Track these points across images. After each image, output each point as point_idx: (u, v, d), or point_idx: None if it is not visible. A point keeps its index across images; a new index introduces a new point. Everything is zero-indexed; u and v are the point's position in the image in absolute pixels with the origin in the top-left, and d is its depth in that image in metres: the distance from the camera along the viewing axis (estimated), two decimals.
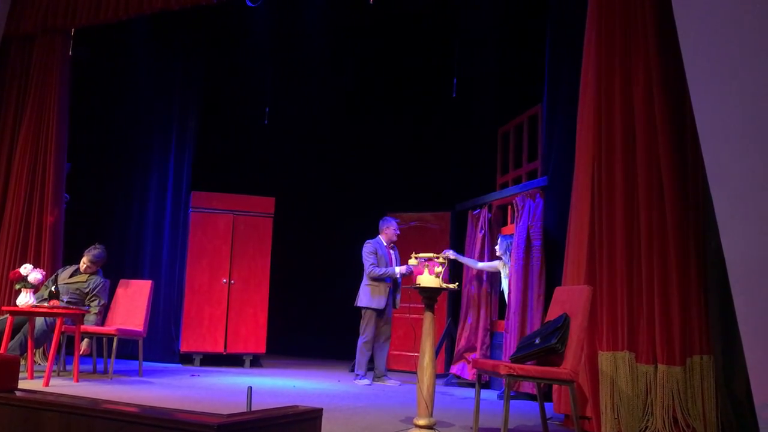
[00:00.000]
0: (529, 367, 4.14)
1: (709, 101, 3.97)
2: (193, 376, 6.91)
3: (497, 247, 6.82)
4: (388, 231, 7.22)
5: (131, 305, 6.83)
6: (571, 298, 4.35)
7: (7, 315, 5.86)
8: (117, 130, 8.82)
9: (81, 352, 6.27)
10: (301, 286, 9.74)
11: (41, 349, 6.84)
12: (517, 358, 4.34)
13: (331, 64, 9.16)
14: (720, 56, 3.93)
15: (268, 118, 8.80)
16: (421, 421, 3.97)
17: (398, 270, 7.01)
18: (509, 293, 6.45)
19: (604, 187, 4.85)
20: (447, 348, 7.90)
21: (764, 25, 3.73)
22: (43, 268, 6.66)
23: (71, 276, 6.66)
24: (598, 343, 4.74)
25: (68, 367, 6.49)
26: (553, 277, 5.90)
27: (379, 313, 6.99)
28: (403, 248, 8.09)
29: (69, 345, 6.67)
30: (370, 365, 7.16)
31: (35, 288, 6.02)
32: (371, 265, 6.97)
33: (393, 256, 7.19)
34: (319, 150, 9.79)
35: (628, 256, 4.74)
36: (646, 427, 4.52)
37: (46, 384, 5.45)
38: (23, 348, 6.13)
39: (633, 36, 4.90)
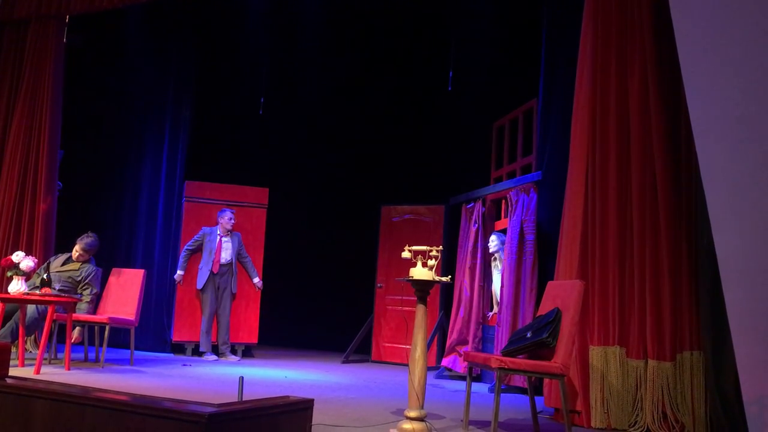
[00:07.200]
0: (521, 361, 4.15)
1: (703, 97, 3.97)
2: (184, 365, 6.91)
3: (490, 245, 6.84)
4: (222, 221, 7.91)
5: (123, 294, 6.82)
6: (564, 292, 4.36)
7: None
8: (111, 118, 8.78)
9: (72, 341, 6.27)
10: (294, 277, 9.73)
11: (32, 336, 6.83)
12: (508, 352, 4.35)
13: (326, 55, 9.13)
14: (716, 52, 3.93)
15: (263, 108, 8.79)
16: (412, 413, 3.98)
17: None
18: (501, 287, 6.46)
19: (598, 182, 4.87)
20: (439, 341, 7.91)
21: (760, 22, 3.73)
22: (36, 256, 6.65)
23: (63, 264, 6.64)
24: (589, 338, 4.76)
25: (59, 355, 6.47)
26: (545, 272, 5.91)
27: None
28: (397, 241, 8.11)
29: (60, 333, 6.66)
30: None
31: (27, 275, 6.00)
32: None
33: (223, 243, 7.87)
34: (313, 141, 9.77)
35: (620, 251, 4.76)
36: (636, 422, 4.56)
37: (37, 372, 5.44)
38: (14, 335, 6.12)
39: (629, 31, 4.91)
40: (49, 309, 5.77)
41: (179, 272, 7.94)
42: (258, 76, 8.91)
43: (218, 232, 7.91)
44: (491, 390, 6.07)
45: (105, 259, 7.49)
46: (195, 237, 7.97)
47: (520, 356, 4.29)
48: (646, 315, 4.61)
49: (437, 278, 4.13)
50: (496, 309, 6.74)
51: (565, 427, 4.11)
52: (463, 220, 7.60)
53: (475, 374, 6.84)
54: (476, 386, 6.35)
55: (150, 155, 8.52)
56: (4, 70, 7.71)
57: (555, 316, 4.21)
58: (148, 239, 8.38)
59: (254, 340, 8.28)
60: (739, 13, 3.84)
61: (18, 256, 5.98)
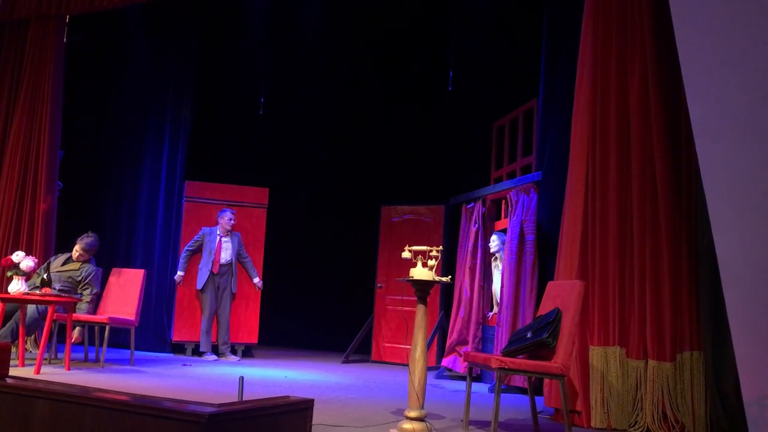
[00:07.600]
0: (521, 361, 4.15)
1: (703, 97, 3.97)
2: (184, 365, 6.91)
3: (491, 245, 6.83)
4: (222, 221, 7.90)
5: (123, 294, 6.82)
6: (564, 292, 4.36)
7: None
8: (111, 117, 8.78)
9: (73, 341, 6.27)
10: (294, 277, 9.73)
11: (33, 336, 6.83)
12: (508, 352, 4.35)
13: (326, 55, 9.13)
14: (716, 52, 3.93)
15: (263, 108, 8.78)
16: (412, 414, 3.98)
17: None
18: (501, 287, 6.46)
19: (598, 182, 4.87)
20: (439, 341, 7.91)
21: (760, 22, 3.73)
22: (36, 256, 6.65)
23: (64, 264, 6.64)
24: (589, 338, 4.76)
25: (60, 355, 6.47)
26: (545, 272, 5.91)
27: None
28: (397, 241, 8.11)
29: (61, 333, 6.66)
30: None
31: (27, 275, 6.00)
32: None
33: (223, 244, 7.88)
34: (313, 141, 9.76)
35: (620, 251, 4.76)
36: (636, 422, 4.56)
37: (37, 372, 5.44)
38: (14, 335, 6.12)
39: (629, 31, 4.91)
40: (49, 309, 5.77)
41: (179, 273, 7.94)
42: (258, 76, 8.90)
43: (218, 232, 7.91)
44: (491, 390, 6.07)
45: (105, 259, 7.49)
46: (195, 237, 7.97)
47: (520, 356, 4.29)
48: (646, 315, 4.61)
49: (437, 278, 4.13)
50: (496, 309, 6.74)
51: (565, 427, 4.11)
52: (463, 220, 7.60)
53: (475, 374, 6.84)
54: (476, 386, 6.35)
55: (150, 155, 8.52)
56: (4, 70, 7.71)
57: (555, 316, 4.21)
58: (148, 239, 8.38)
59: (254, 340, 8.27)
60: (739, 13, 3.84)
61: (18, 256, 5.98)
